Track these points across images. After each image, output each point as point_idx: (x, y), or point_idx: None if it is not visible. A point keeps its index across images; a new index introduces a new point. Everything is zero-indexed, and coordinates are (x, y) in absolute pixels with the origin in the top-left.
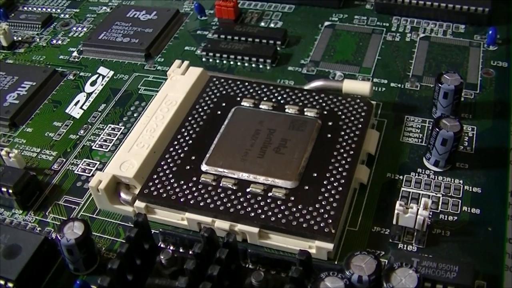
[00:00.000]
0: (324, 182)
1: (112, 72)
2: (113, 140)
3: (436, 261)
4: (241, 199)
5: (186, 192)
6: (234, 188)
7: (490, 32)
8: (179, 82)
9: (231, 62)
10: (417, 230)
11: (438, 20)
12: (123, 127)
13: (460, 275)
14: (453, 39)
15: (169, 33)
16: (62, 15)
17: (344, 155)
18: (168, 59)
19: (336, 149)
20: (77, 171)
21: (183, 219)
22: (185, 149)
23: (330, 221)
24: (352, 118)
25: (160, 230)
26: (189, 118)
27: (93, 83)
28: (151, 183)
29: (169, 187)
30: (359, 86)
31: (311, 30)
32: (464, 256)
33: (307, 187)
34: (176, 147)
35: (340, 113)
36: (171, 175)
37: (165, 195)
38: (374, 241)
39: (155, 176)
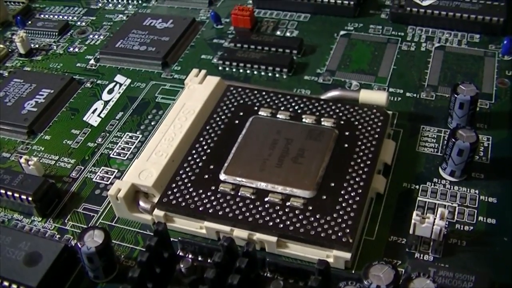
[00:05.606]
0: (342, 192)
1: (129, 80)
2: (131, 148)
3: (453, 270)
4: (259, 208)
5: (204, 201)
6: (253, 197)
7: (505, 42)
8: (197, 91)
9: (248, 71)
10: (433, 240)
11: (453, 30)
12: (140, 135)
13: (477, 285)
14: (468, 48)
15: (185, 42)
16: (79, 23)
17: (361, 165)
18: (184, 67)
19: (353, 159)
20: (96, 179)
21: (202, 227)
22: (203, 158)
23: (348, 230)
24: (369, 128)
25: (179, 238)
26: (207, 127)
27: (110, 91)
28: (170, 192)
29: (187, 196)
30: (376, 96)
31: (327, 39)
32: (480, 266)
33: (324, 197)
34: (195, 156)
35: (356, 123)
36: (189, 184)
37: (183, 203)
38: (391, 250)
39: (174, 185)
